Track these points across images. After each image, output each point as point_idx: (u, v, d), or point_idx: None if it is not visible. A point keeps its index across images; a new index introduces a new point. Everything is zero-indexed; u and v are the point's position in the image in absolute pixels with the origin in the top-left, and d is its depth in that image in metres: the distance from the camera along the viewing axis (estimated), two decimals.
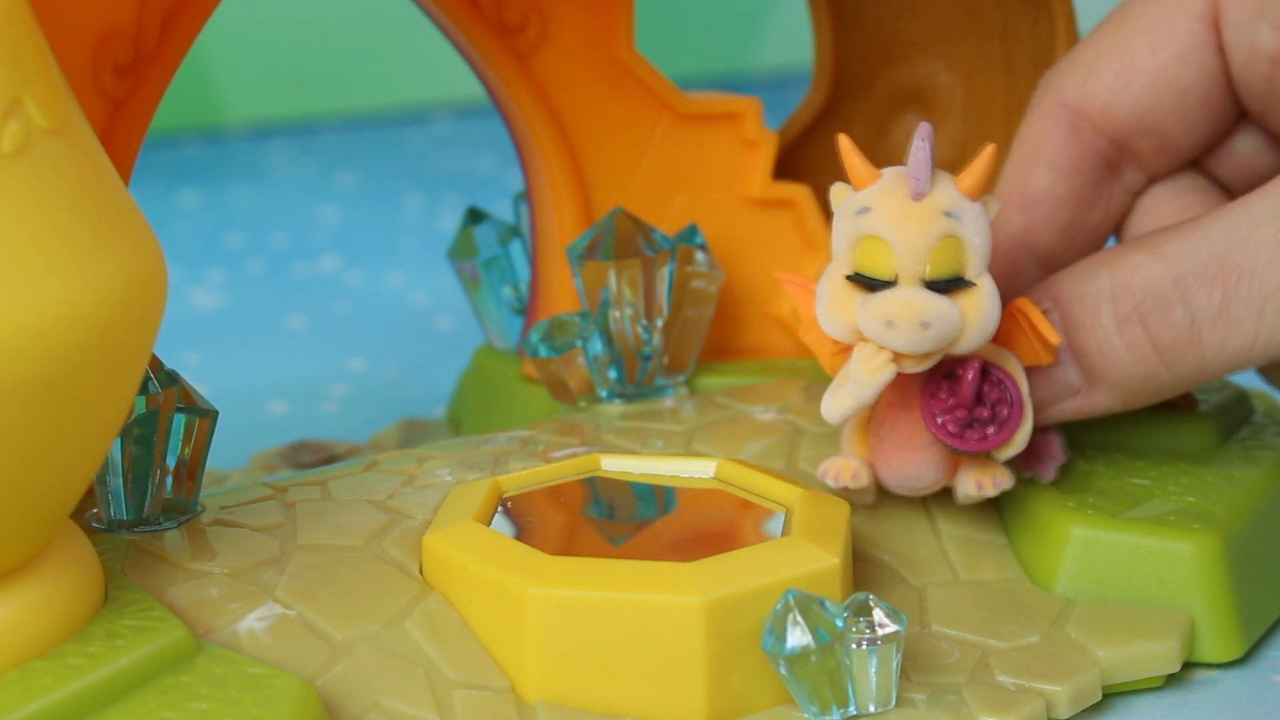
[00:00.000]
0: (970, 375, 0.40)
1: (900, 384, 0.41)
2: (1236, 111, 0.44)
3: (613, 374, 0.48)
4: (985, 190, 0.40)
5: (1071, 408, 0.43)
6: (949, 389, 0.41)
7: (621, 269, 0.47)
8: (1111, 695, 0.41)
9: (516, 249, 0.53)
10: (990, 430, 0.41)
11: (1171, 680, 0.42)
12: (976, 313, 0.39)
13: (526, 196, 0.52)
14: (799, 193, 0.51)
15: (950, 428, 0.41)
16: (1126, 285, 0.41)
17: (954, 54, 0.53)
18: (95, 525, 0.41)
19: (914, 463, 0.42)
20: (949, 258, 0.39)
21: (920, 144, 0.39)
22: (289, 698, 0.34)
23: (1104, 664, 0.41)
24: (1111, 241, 0.47)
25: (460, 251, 0.54)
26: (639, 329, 0.48)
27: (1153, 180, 0.46)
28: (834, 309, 0.40)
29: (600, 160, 0.50)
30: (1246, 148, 0.45)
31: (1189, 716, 0.41)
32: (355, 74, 1.04)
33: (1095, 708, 0.40)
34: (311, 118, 1.04)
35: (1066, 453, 0.44)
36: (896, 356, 0.40)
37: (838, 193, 0.40)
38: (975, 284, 0.39)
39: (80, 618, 0.35)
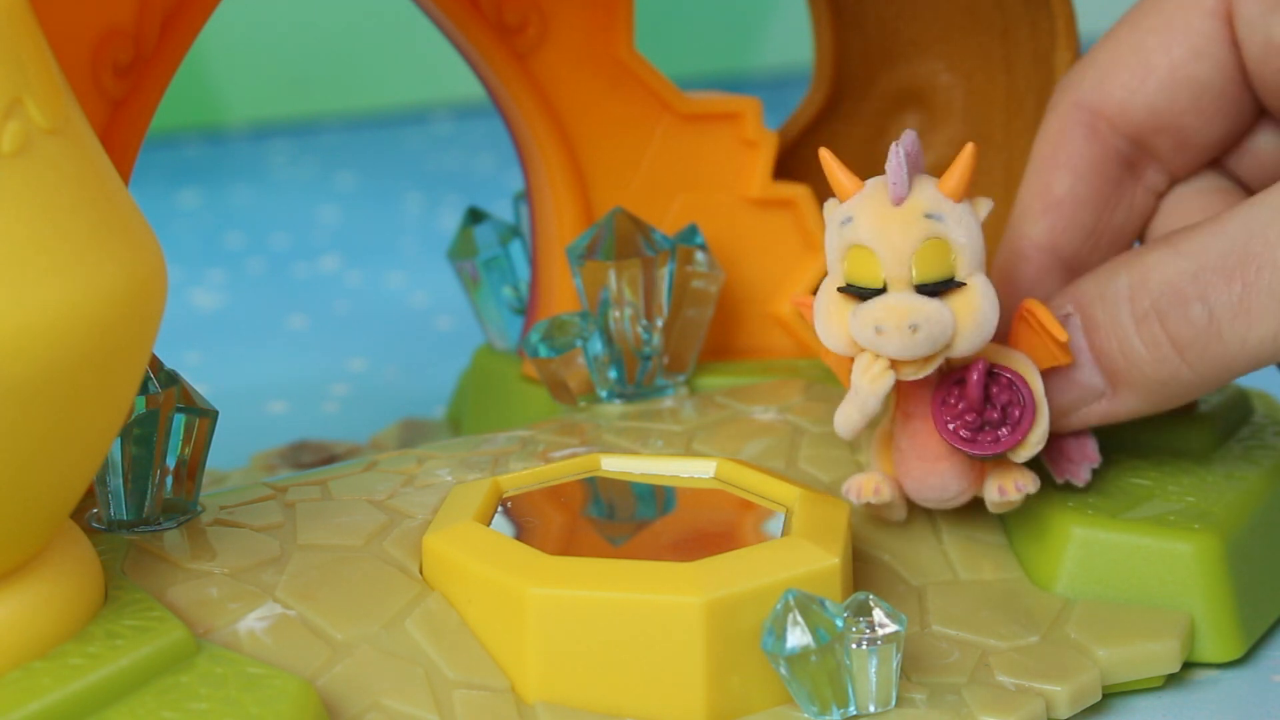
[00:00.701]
0: (975, 377, 0.40)
1: (915, 394, 0.41)
2: (1254, 107, 0.44)
3: (613, 374, 0.48)
4: (968, 190, 0.40)
5: (1097, 412, 0.42)
6: (958, 394, 0.41)
7: (621, 269, 0.47)
8: (1111, 695, 0.41)
9: (516, 249, 0.53)
10: (1003, 432, 0.41)
11: (1171, 680, 0.42)
12: (970, 312, 0.39)
13: (526, 196, 0.52)
14: (799, 193, 0.51)
15: (962, 433, 0.41)
16: (1144, 283, 0.41)
17: (954, 54, 0.53)
18: (95, 525, 0.41)
19: (936, 473, 0.42)
20: (936, 260, 0.39)
21: (896, 149, 0.39)
22: (289, 698, 0.34)
23: (1104, 664, 0.41)
24: (1137, 245, 0.47)
25: (460, 251, 0.54)
26: (639, 329, 0.48)
27: (1174, 180, 0.45)
28: (829, 322, 0.40)
29: (600, 160, 0.50)
30: (1267, 145, 0.45)
31: (1189, 716, 0.41)
32: (355, 74, 1.04)
33: (1095, 708, 0.40)
34: (311, 118, 1.04)
35: (1099, 455, 0.44)
36: (895, 364, 0.40)
37: (829, 208, 0.40)
38: (967, 284, 0.39)
39: (80, 618, 0.35)
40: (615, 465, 0.43)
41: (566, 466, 0.43)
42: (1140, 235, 0.46)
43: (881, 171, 0.40)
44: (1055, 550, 0.43)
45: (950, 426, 0.41)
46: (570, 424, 0.47)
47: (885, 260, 0.39)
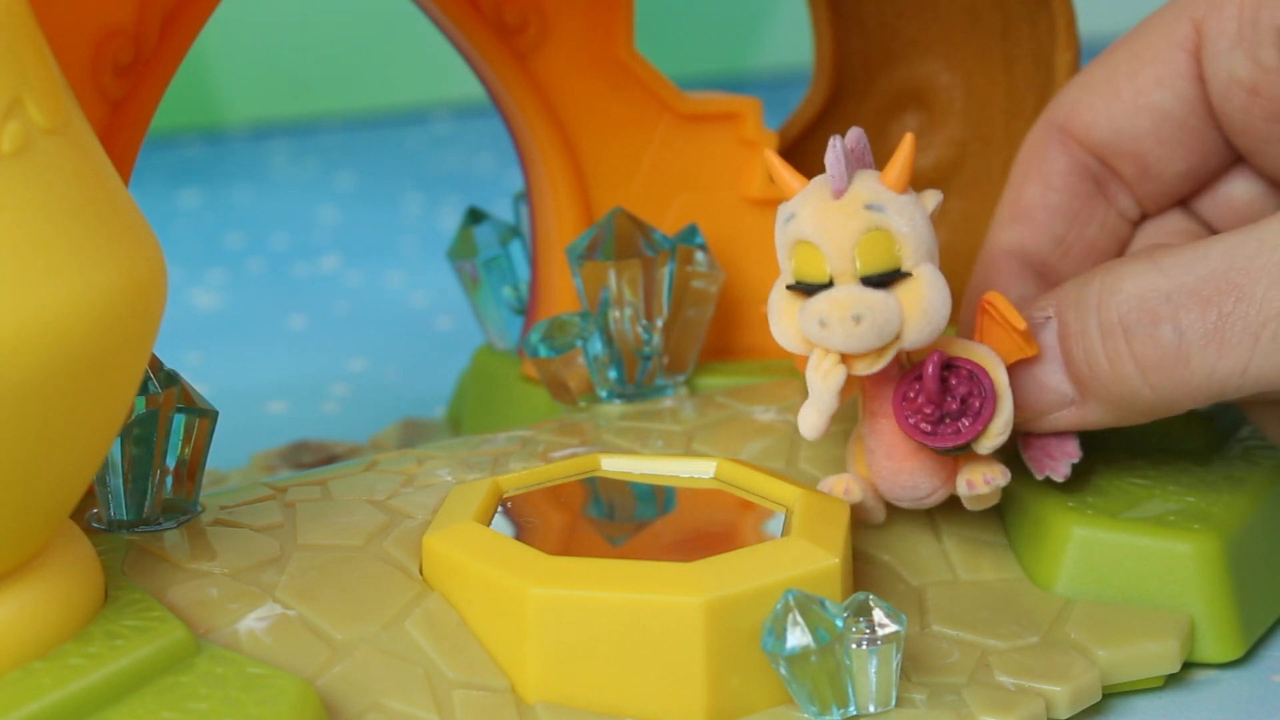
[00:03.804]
0: (930, 369, 0.40)
1: (880, 394, 0.41)
2: (1222, 145, 0.44)
3: (613, 374, 0.48)
4: (910, 180, 0.40)
5: (1067, 419, 0.42)
6: (917, 388, 0.41)
7: (621, 269, 0.47)
8: (1111, 695, 0.41)
9: (516, 249, 0.53)
10: (964, 423, 0.40)
11: (1171, 680, 0.42)
12: (916, 302, 0.39)
13: (526, 196, 0.52)
14: None
15: (922, 426, 0.40)
16: (1114, 292, 0.40)
17: (954, 54, 0.53)
18: (95, 525, 0.41)
19: (905, 472, 0.42)
20: (879, 251, 0.39)
21: (834, 141, 0.39)
22: (289, 698, 0.34)
23: (1104, 664, 0.41)
24: None
25: (460, 251, 0.54)
26: (639, 329, 0.48)
27: (1144, 209, 0.46)
28: (782, 321, 0.40)
29: (600, 160, 0.50)
30: (1241, 193, 0.45)
31: (1189, 716, 0.41)
32: (355, 74, 1.04)
33: (1095, 708, 0.40)
34: (311, 118, 1.04)
35: (1081, 451, 0.43)
36: (847, 359, 0.40)
37: (779, 209, 0.41)
38: (913, 274, 0.39)
39: (80, 618, 0.35)
40: (615, 465, 0.43)
41: (566, 466, 0.43)
42: (1115, 256, 0.46)
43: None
44: (1055, 550, 0.43)
45: (911, 421, 0.41)
46: (570, 424, 0.47)
47: (829, 254, 0.39)
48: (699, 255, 0.48)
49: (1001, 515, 0.45)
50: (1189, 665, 0.42)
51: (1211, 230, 0.46)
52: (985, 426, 0.40)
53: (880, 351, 0.39)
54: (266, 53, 1.02)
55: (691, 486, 0.42)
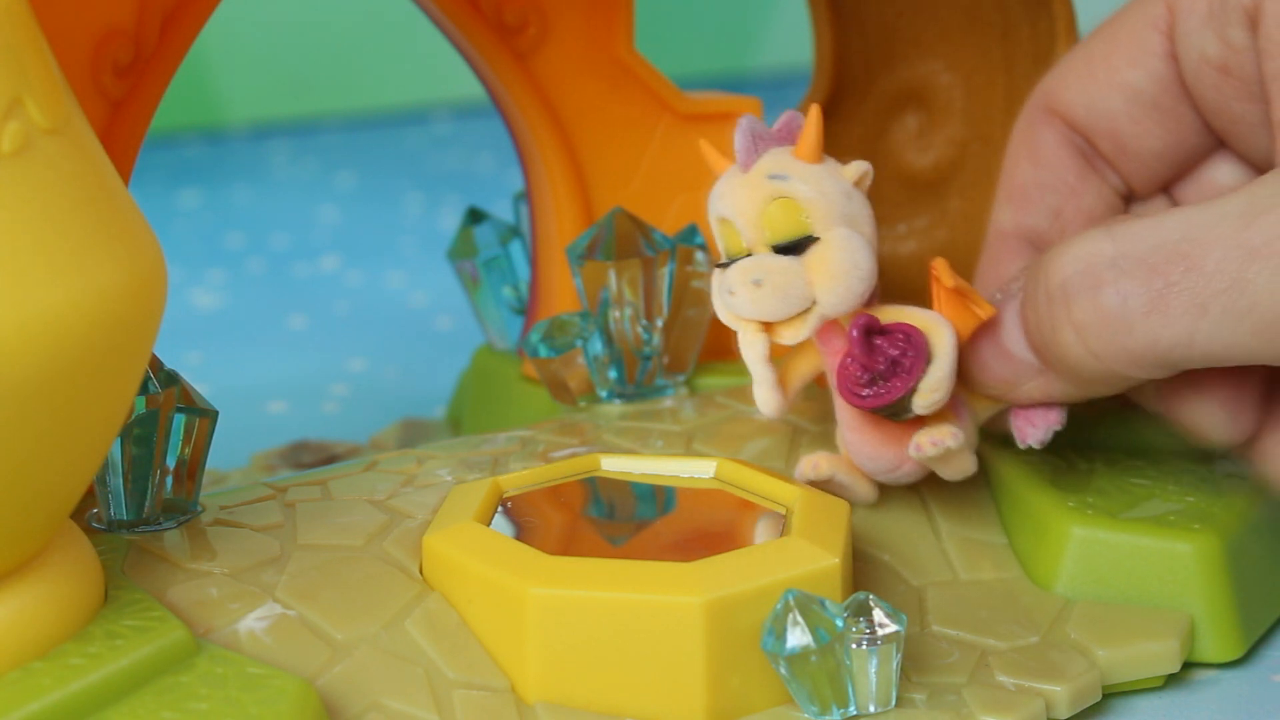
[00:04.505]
0: (854, 333, 0.40)
1: (833, 367, 0.41)
2: (1201, 128, 0.44)
3: (613, 374, 0.48)
4: (820, 150, 0.41)
5: (1037, 389, 0.42)
6: (850, 354, 0.41)
7: (621, 269, 0.47)
8: (1111, 695, 0.41)
9: (516, 249, 0.53)
10: (895, 382, 0.40)
11: (1171, 680, 0.42)
12: (823, 265, 0.40)
13: (526, 196, 0.52)
14: None
15: (856, 390, 0.40)
16: (1060, 257, 0.39)
17: (954, 54, 0.53)
18: (95, 525, 0.41)
19: (867, 444, 0.42)
20: (785, 219, 0.40)
21: (741, 120, 0.41)
22: (289, 698, 0.34)
23: (1104, 664, 0.41)
24: None
25: (460, 251, 0.54)
26: (639, 329, 0.48)
27: (1130, 186, 0.45)
28: (715, 300, 0.42)
29: (600, 160, 0.50)
30: (1226, 177, 0.45)
31: (1189, 716, 0.41)
32: (355, 74, 1.04)
33: (1095, 708, 0.40)
34: (311, 118, 1.04)
35: (1064, 419, 0.43)
36: (770, 328, 0.41)
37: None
38: (821, 239, 0.40)
39: (80, 618, 0.35)
40: (615, 465, 0.43)
41: (566, 466, 0.43)
42: None
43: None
44: (1055, 550, 0.43)
45: (847, 387, 0.41)
46: (570, 424, 0.47)
47: (741, 227, 0.41)
48: (699, 255, 0.48)
49: (1001, 515, 0.45)
50: (1189, 665, 0.42)
51: None
52: (915, 383, 0.40)
53: (801, 317, 0.40)
54: (266, 53, 1.02)
55: (691, 486, 0.42)
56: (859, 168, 0.41)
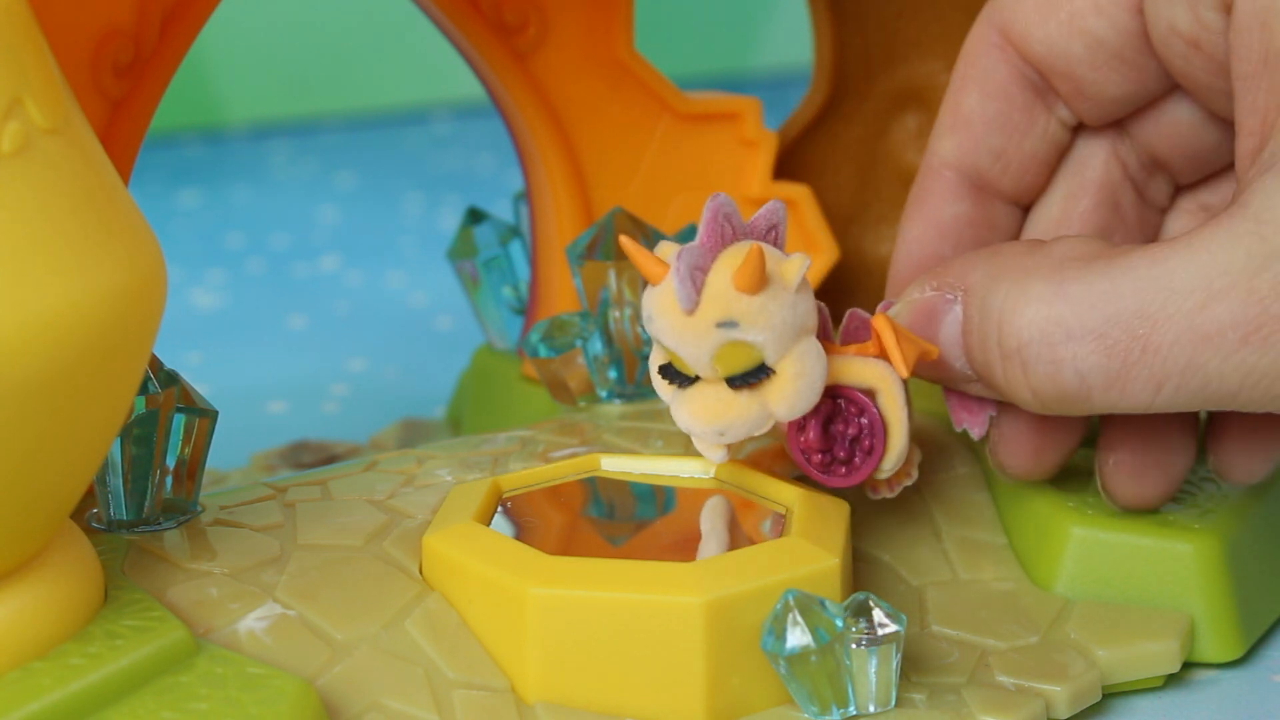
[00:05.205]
0: (810, 435, 0.40)
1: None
2: (1163, 75, 0.43)
3: (613, 374, 0.48)
4: (763, 280, 0.38)
5: (976, 389, 0.42)
6: (808, 435, 0.40)
7: (621, 269, 0.47)
8: (1111, 695, 0.41)
9: (516, 249, 0.53)
10: (856, 462, 0.41)
11: (1171, 680, 0.42)
12: (782, 398, 0.39)
13: (526, 196, 0.52)
14: (799, 193, 0.51)
15: (820, 470, 0.41)
16: (1016, 315, 0.39)
17: (954, 54, 0.53)
18: (95, 525, 0.41)
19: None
20: (737, 358, 0.39)
21: (676, 261, 0.38)
22: (289, 698, 0.34)
23: (1104, 664, 0.41)
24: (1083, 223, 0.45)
25: (460, 251, 0.54)
26: (639, 329, 0.48)
27: (1082, 120, 0.44)
28: (661, 392, 0.40)
29: (600, 160, 0.50)
30: (1183, 116, 0.44)
31: (1189, 716, 0.41)
32: (355, 74, 1.04)
33: (1095, 708, 0.40)
34: (311, 118, 1.04)
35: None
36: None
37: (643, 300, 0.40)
38: (776, 371, 0.39)
39: (80, 618, 0.35)
40: (615, 465, 0.43)
41: (566, 466, 0.43)
42: (1054, 165, 0.45)
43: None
44: (1055, 550, 0.43)
45: (805, 457, 0.41)
46: (570, 424, 0.47)
47: (689, 361, 0.39)
48: None
49: (1001, 515, 0.45)
50: (1189, 665, 0.42)
51: (1156, 157, 0.45)
52: (876, 466, 0.41)
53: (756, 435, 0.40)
54: (266, 53, 1.02)
55: (691, 486, 0.42)
56: (799, 266, 0.39)
